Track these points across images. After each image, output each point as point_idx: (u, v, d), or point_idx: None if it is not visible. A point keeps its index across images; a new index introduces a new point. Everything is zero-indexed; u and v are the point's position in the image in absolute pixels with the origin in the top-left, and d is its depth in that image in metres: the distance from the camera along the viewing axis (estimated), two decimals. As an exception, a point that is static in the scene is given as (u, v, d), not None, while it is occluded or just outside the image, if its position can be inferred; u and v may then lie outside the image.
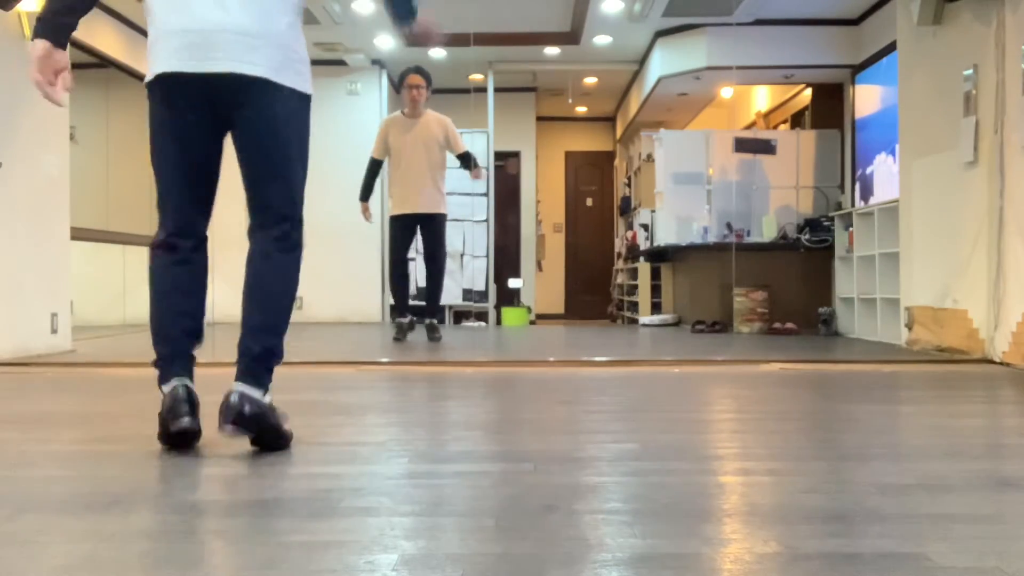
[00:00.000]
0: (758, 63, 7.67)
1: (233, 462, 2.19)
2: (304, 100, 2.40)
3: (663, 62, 8.17)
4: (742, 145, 8.13)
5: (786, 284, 7.74)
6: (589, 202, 12.29)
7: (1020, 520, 1.69)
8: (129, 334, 6.28)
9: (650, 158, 9.19)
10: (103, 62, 6.78)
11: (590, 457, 2.26)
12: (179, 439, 2.27)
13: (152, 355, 2.35)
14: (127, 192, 7.53)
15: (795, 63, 7.66)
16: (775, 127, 9.06)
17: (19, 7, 4.96)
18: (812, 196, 8.21)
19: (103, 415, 3.01)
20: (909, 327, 5.79)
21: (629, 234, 10.16)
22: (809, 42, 7.56)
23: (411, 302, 8.14)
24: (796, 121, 8.69)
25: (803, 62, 7.64)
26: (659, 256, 8.86)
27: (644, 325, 8.72)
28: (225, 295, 7.85)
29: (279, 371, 2.36)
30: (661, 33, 8.10)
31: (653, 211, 8.83)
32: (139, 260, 6.95)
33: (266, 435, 2.27)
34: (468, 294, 9.26)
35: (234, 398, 2.21)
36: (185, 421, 2.24)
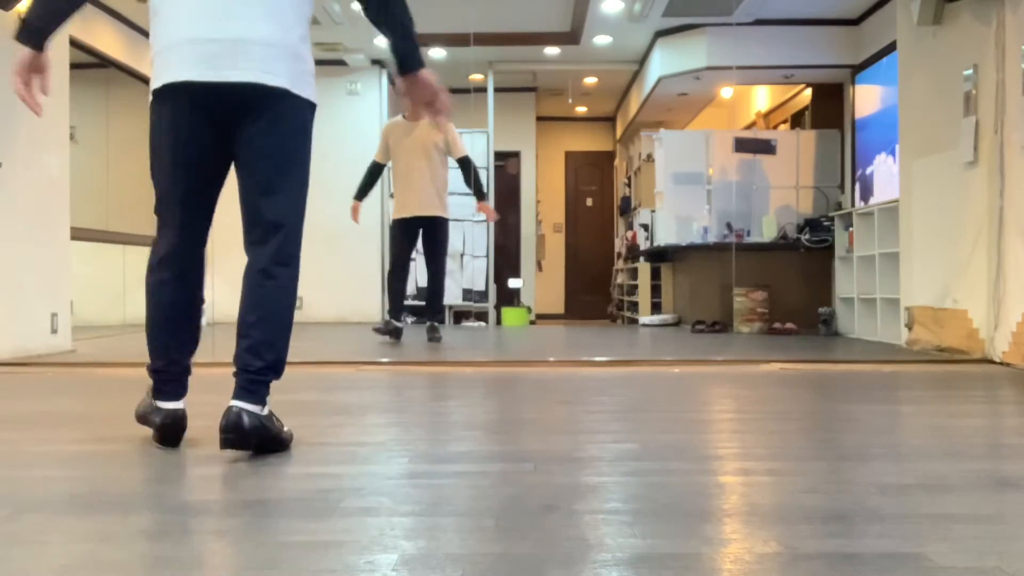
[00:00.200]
0: (758, 63, 7.67)
1: (233, 462, 2.19)
2: (313, 110, 2.42)
3: (663, 62, 8.17)
4: (742, 145, 8.13)
5: (786, 284, 7.74)
6: (589, 202, 12.29)
7: (1020, 520, 1.69)
8: (129, 334, 6.28)
9: (650, 158, 9.20)
10: (103, 62, 6.78)
11: (590, 457, 2.26)
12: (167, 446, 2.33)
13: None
14: (127, 192, 7.53)
15: (795, 63, 7.66)
16: (775, 127, 9.06)
17: (19, 7, 4.96)
18: (812, 196, 8.21)
19: (103, 415, 3.01)
20: (909, 327, 5.79)
21: (629, 234, 10.16)
22: (809, 42, 7.56)
23: (411, 302, 8.16)
24: (796, 121, 8.69)
25: (803, 62, 7.64)
26: (659, 256, 8.86)
27: (644, 325, 8.72)
28: (225, 295, 7.87)
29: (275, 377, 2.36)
30: (661, 33, 8.10)
31: (653, 211, 8.83)
32: (139, 260, 6.94)
33: (266, 444, 2.28)
34: (468, 294, 9.26)
35: (234, 416, 2.21)
36: (169, 445, 2.30)
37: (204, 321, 9.23)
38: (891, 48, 6.49)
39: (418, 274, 8.63)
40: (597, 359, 4.94)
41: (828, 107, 8.07)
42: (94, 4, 6.60)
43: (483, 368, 4.72)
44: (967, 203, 5.15)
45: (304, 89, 2.35)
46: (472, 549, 1.46)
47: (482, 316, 9.31)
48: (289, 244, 2.34)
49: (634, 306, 9.55)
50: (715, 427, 2.86)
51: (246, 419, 2.20)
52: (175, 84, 2.26)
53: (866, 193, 7.38)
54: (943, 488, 1.91)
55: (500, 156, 9.97)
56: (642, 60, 9.05)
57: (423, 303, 6.67)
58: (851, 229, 7.09)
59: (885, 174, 6.96)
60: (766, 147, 8.10)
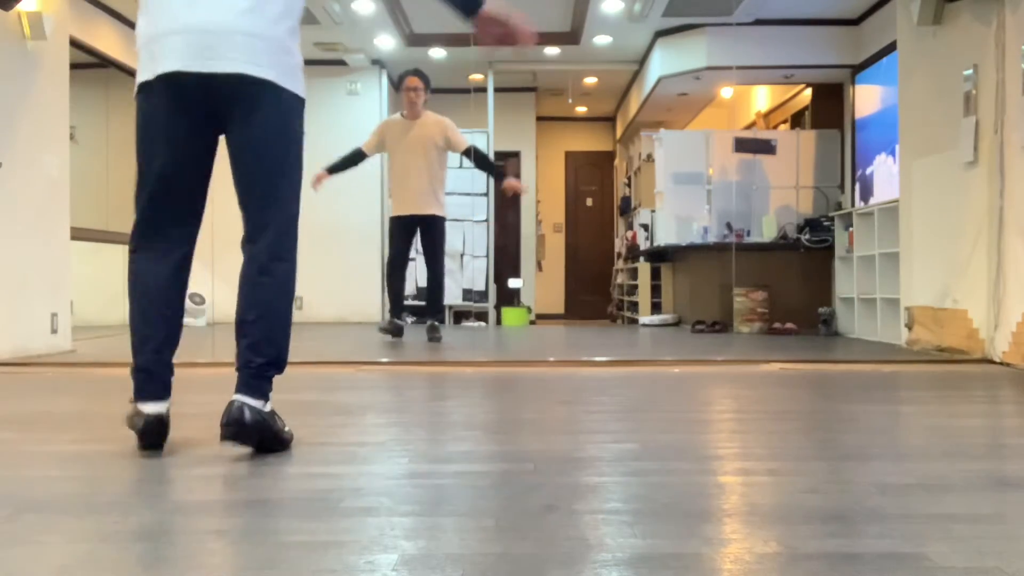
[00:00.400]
0: (758, 63, 7.67)
1: (233, 462, 2.19)
2: (302, 104, 2.39)
3: (663, 62, 8.17)
4: (742, 145, 8.13)
5: (786, 284, 7.74)
6: (589, 202, 12.29)
7: (1020, 520, 1.69)
8: (129, 334, 6.25)
9: (650, 158, 9.19)
10: (103, 62, 6.78)
11: (590, 457, 2.26)
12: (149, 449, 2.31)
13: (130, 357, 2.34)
14: (127, 192, 7.52)
15: (795, 63, 7.66)
16: (775, 127, 9.06)
17: (19, 7, 4.96)
18: (812, 196, 8.21)
19: (103, 415, 3.01)
20: (909, 327, 5.79)
21: (629, 234, 10.16)
22: (809, 42, 7.56)
23: (411, 302, 8.16)
24: (796, 121, 8.69)
25: (803, 62, 7.64)
26: (659, 256, 8.86)
27: (644, 325, 8.72)
28: (225, 295, 7.86)
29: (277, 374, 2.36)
30: (661, 33, 8.10)
31: (653, 211, 8.83)
32: (139, 260, 6.94)
33: (266, 442, 2.28)
34: (468, 294, 9.26)
35: (236, 411, 2.21)
36: (152, 449, 2.27)
37: (204, 321, 9.21)
38: (891, 48, 6.49)
39: (418, 274, 8.63)
40: (597, 359, 4.94)
41: (828, 107, 8.06)
42: (94, 4, 6.60)
43: (483, 368, 4.72)
44: (967, 203, 5.15)
45: (291, 82, 2.32)
46: (472, 549, 1.46)
47: (482, 316, 9.31)
48: (282, 239, 2.32)
49: (634, 306, 9.55)
50: (715, 427, 2.86)
51: (247, 413, 2.21)
52: (161, 75, 2.24)
53: (866, 193, 7.38)
54: (943, 488, 1.91)
55: (500, 156, 9.96)
56: (642, 60, 9.05)
57: (423, 303, 6.67)
58: (851, 229, 7.09)
59: (885, 174, 6.96)
60: (766, 147, 8.10)
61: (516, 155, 10.83)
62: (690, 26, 7.80)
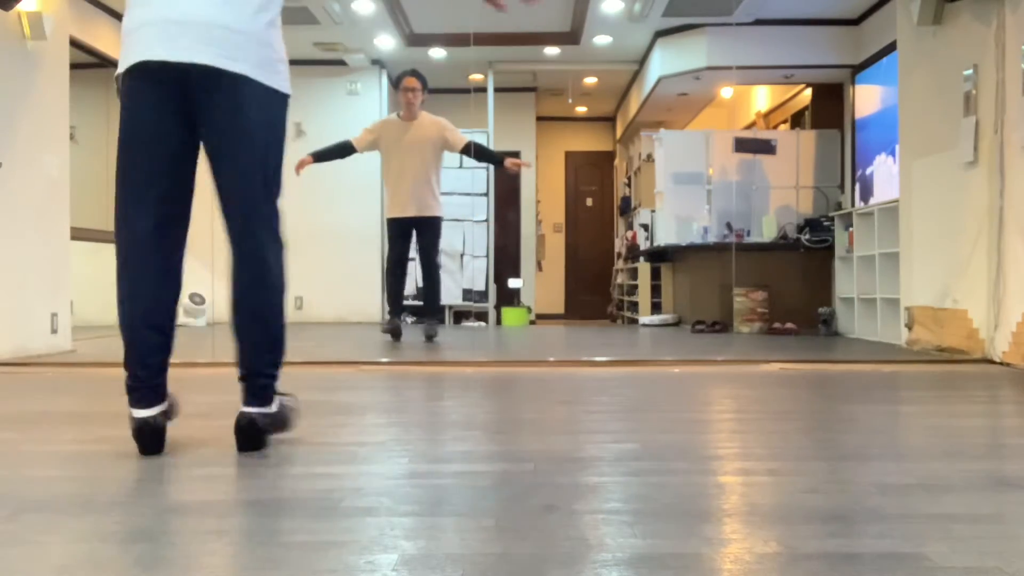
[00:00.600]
0: (758, 63, 7.67)
1: (233, 462, 2.19)
2: (282, 99, 2.33)
3: (663, 62, 8.17)
4: (742, 145, 8.13)
5: (786, 284, 7.74)
6: (589, 202, 12.29)
7: (1020, 520, 1.69)
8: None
9: (650, 158, 9.19)
10: (103, 62, 6.78)
11: (590, 457, 2.26)
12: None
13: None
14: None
15: (795, 63, 7.66)
16: (775, 127, 9.06)
17: (19, 7, 4.96)
18: (812, 196, 8.20)
19: (103, 415, 3.01)
20: (909, 327, 5.79)
21: (629, 234, 10.16)
22: (809, 42, 7.56)
23: (410, 302, 8.15)
24: (796, 121, 8.69)
25: (803, 62, 7.64)
26: (659, 256, 8.86)
27: (644, 325, 8.72)
28: (224, 295, 7.86)
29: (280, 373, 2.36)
30: (661, 33, 8.10)
31: (653, 211, 8.83)
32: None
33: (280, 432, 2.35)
34: (468, 294, 9.26)
35: (247, 425, 2.25)
36: (152, 453, 2.24)
37: (204, 321, 9.20)
38: (891, 48, 6.49)
39: (417, 274, 8.63)
40: (597, 359, 4.94)
41: (828, 107, 8.06)
42: (94, 4, 6.60)
43: (483, 368, 4.72)
44: (967, 203, 5.15)
45: (269, 76, 2.27)
46: (472, 549, 1.46)
47: (482, 316, 9.31)
48: (265, 238, 2.27)
49: (634, 306, 9.55)
50: (715, 427, 2.86)
51: (259, 422, 2.26)
52: (136, 64, 2.22)
53: (866, 193, 7.38)
54: (943, 488, 1.91)
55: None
56: (642, 60, 9.05)
57: (421, 303, 6.67)
58: (851, 229, 7.09)
59: (885, 174, 6.96)
60: (766, 147, 8.10)
61: (516, 155, 10.75)
62: (690, 26, 7.80)
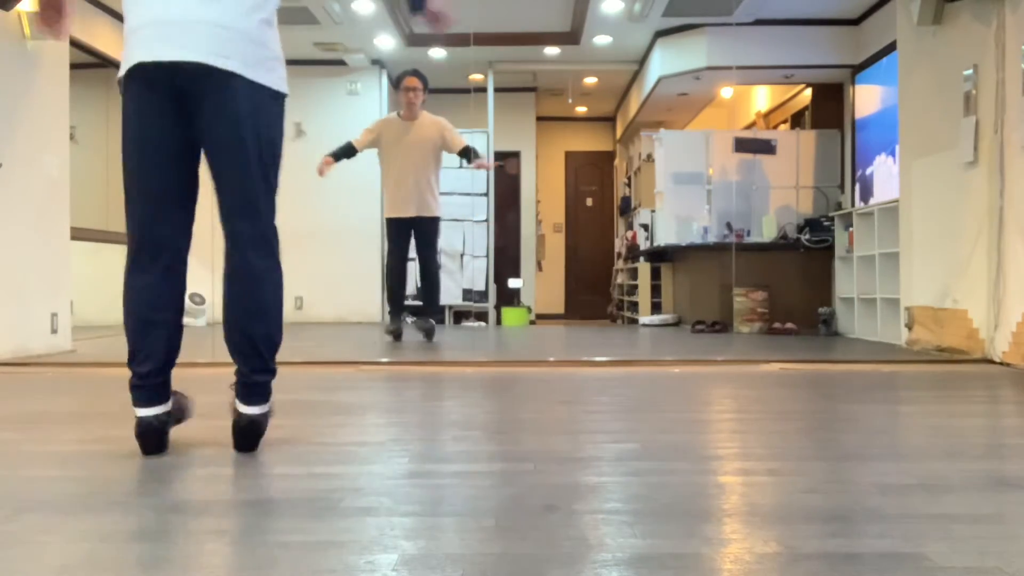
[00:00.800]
0: (758, 63, 7.67)
1: (233, 462, 2.19)
2: (277, 98, 2.32)
3: (663, 62, 8.17)
4: (742, 145, 8.12)
5: (786, 284, 7.74)
6: (589, 202, 12.29)
7: (1020, 520, 1.69)
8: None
9: (650, 158, 9.19)
10: (103, 62, 6.78)
11: (590, 457, 2.26)
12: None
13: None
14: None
15: (795, 63, 7.66)
16: (775, 127, 9.06)
17: (19, 7, 4.96)
18: (812, 196, 8.20)
19: (103, 415, 3.01)
20: (909, 327, 5.79)
21: (629, 234, 10.16)
22: (809, 42, 7.56)
23: (409, 302, 8.14)
24: (796, 121, 8.69)
25: (803, 62, 7.64)
26: (659, 256, 8.86)
27: (644, 325, 8.72)
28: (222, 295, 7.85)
29: (280, 372, 2.36)
30: (661, 33, 8.10)
31: (653, 211, 8.83)
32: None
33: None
34: (468, 294, 9.26)
35: (246, 425, 2.25)
36: (153, 452, 2.23)
37: (204, 321, 9.20)
38: (891, 48, 6.49)
39: (417, 274, 8.63)
40: (597, 359, 4.93)
41: (828, 107, 8.06)
42: (94, 4, 6.60)
43: (483, 368, 4.72)
44: (967, 203, 5.14)
45: (261, 74, 2.25)
46: (472, 549, 1.46)
47: (482, 316, 9.30)
48: (259, 238, 2.28)
49: (634, 306, 9.55)
50: (715, 427, 2.86)
51: (257, 422, 2.26)
52: (134, 67, 2.23)
53: (866, 193, 7.38)
54: (943, 488, 1.91)
55: (500, 156, 9.96)
56: (642, 60, 9.05)
57: (421, 302, 6.67)
58: (851, 229, 7.09)
59: (885, 174, 6.96)
60: (766, 147, 8.10)
61: (516, 155, 10.82)
62: (690, 26, 7.80)
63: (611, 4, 7.46)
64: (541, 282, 11.15)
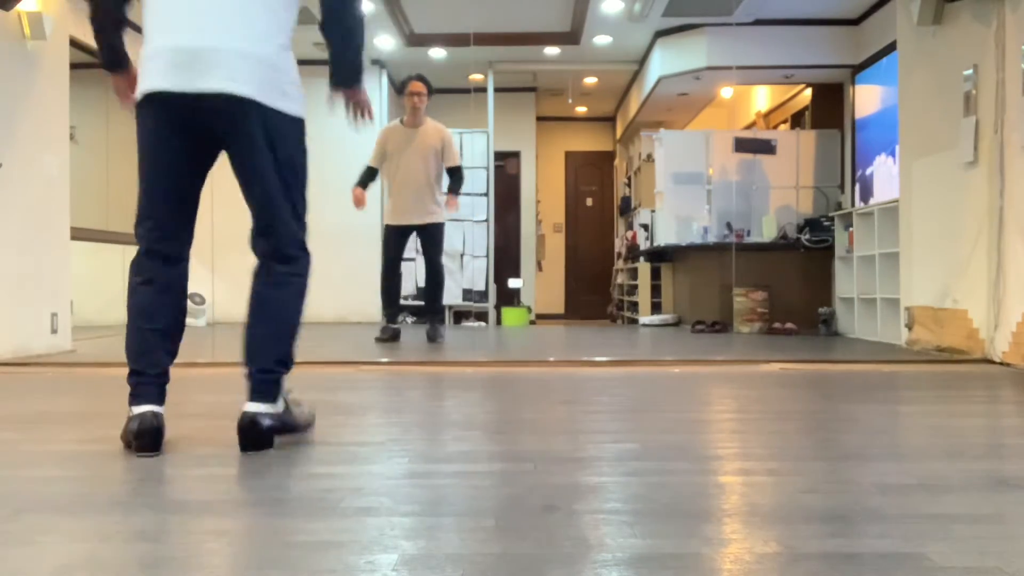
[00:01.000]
0: (758, 63, 7.67)
1: (233, 462, 2.19)
2: (296, 123, 2.39)
3: (663, 62, 8.17)
4: (742, 145, 8.13)
5: (786, 284, 7.74)
6: (589, 202, 12.29)
7: (1020, 520, 1.69)
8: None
9: (650, 158, 9.19)
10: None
11: (590, 457, 2.26)
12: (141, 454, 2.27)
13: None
14: (127, 192, 7.51)
15: (795, 63, 7.66)
16: (775, 127, 9.06)
17: (19, 7, 4.96)
18: (812, 196, 8.21)
19: (103, 415, 3.01)
20: (909, 327, 5.79)
21: (629, 234, 10.16)
22: (809, 42, 7.56)
23: (409, 302, 8.15)
24: (796, 121, 8.69)
25: (803, 62, 7.64)
26: (659, 256, 8.86)
27: (644, 325, 8.72)
28: (225, 295, 7.86)
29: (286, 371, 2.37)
30: (661, 33, 8.10)
31: (653, 211, 8.83)
32: (139, 260, 6.93)
33: (287, 435, 2.36)
34: (468, 294, 9.26)
35: (248, 422, 2.26)
36: (147, 452, 2.23)
37: (204, 321, 9.18)
38: (891, 48, 6.49)
39: (417, 274, 8.63)
40: (597, 359, 4.93)
41: (828, 107, 8.06)
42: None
43: (483, 368, 4.72)
44: (967, 203, 5.15)
45: (279, 100, 2.31)
46: (472, 549, 1.46)
47: (482, 316, 9.30)
48: (283, 244, 2.36)
49: (634, 306, 9.55)
50: (715, 427, 2.86)
51: (261, 421, 2.26)
52: (151, 93, 2.28)
53: (866, 193, 7.38)
54: (943, 488, 1.91)
55: (500, 156, 9.97)
56: (642, 60, 9.05)
57: (422, 303, 6.66)
58: (851, 229, 7.09)
59: (885, 174, 6.96)
60: (766, 147, 8.10)
61: (516, 155, 10.83)
62: (690, 26, 7.80)
63: (611, 4, 7.46)
64: (541, 282, 11.15)
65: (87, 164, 6.96)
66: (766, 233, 7.98)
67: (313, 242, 2.54)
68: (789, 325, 7.39)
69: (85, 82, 6.60)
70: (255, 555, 1.46)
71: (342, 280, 8.95)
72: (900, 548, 1.46)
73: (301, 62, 2.51)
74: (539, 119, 11.08)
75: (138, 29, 2.36)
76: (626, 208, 10.95)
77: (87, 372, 4.46)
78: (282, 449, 2.32)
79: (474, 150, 9.13)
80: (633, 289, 9.70)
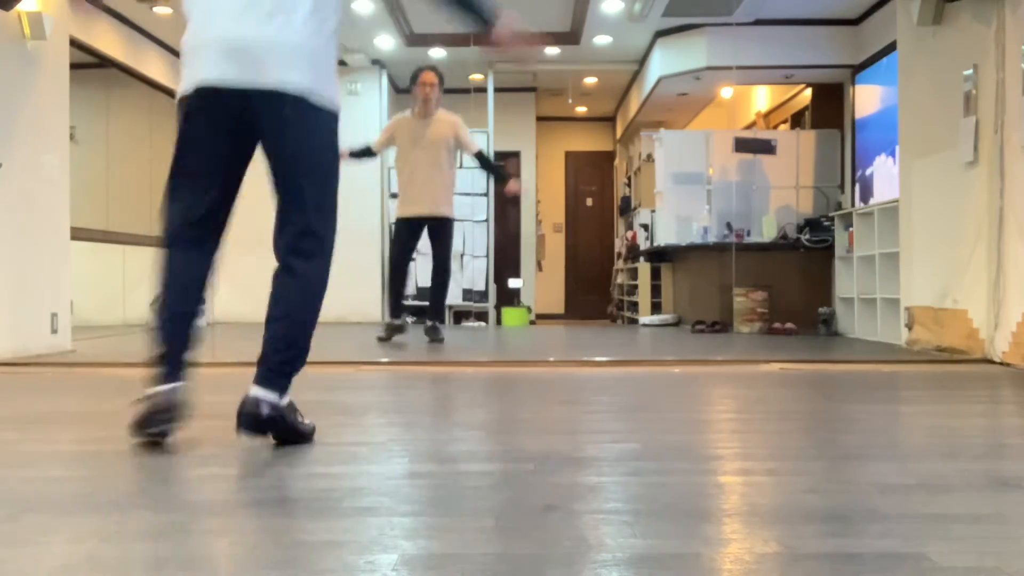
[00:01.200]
0: (758, 63, 7.66)
1: (233, 462, 2.19)
2: (335, 118, 2.41)
3: (663, 62, 8.17)
4: (742, 145, 8.13)
5: (786, 284, 7.74)
6: (589, 202, 12.29)
7: (1020, 520, 1.69)
8: (129, 334, 6.27)
9: (650, 158, 9.19)
10: (103, 62, 6.78)
11: (590, 457, 2.26)
12: (153, 436, 2.28)
13: (150, 349, 2.35)
14: (127, 192, 7.53)
15: (795, 63, 7.66)
16: (775, 127, 9.06)
17: (19, 7, 4.96)
18: (812, 196, 8.21)
19: (103, 415, 3.01)
20: (909, 327, 5.79)
21: (629, 234, 10.17)
22: (809, 42, 7.56)
23: (410, 302, 8.15)
24: (796, 121, 8.69)
25: (803, 62, 7.64)
26: (659, 256, 8.86)
27: (644, 325, 8.72)
28: (225, 295, 7.85)
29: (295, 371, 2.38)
30: (661, 33, 8.10)
31: (653, 211, 8.83)
32: (139, 260, 6.95)
33: (285, 435, 2.33)
34: (468, 294, 9.26)
35: (251, 403, 2.25)
36: (160, 424, 2.25)
37: (204, 321, 9.21)
38: (891, 48, 6.49)
39: (418, 274, 8.63)
40: (597, 359, 4.94)
41: (828, 107, 8.06)
42: (94, 4, 6.60)
43: (483, 368, 4.72)
44: (967, 203, 5.15)
45: (325, 96, 2.34)
46: (472, 549, 1.46)
47: (482, 316, 9.31)
48: (307, 241, 2.37)
49: (634, 306, 9.55)
50: (715, 427, 2.86)
51: (262, 406, 2.26)
52: (198, 87, 2.29)
53: (866, 193, 7.38)
54: (943, 488, 1.91)
55: (500, 156, 9.96)
56: (642, 60, 9.05)
57: (424, 303, 6.64)
58: (851, 229, 7.09)
59: (885, 174, 6.96)
60: (766, 147, 8.10)
61: (516, 155, 10.83)
62: (690, 26, 7.80)
63: (611, 4, 7.46)
64: (541, 282, 11.15)
65: (87, 164, 6.96)
66: (766, 233, 7.98)
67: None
68: (789, 325, 7.39)
69: (85, 82, 6.60)
70: (255, 555, 1.46)
71: (342, 280, 8.90)
72: (900, 548, 1.46)
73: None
74: (539, 119, 11.08)
75: (140, 30, 2.36)
76: (626, 208, 10.95)
77: (87, 372, 4.46)
78: (283, 449, 2.32)
79: (474, 150, 9.11)
80: (633, 289, 9.70)
